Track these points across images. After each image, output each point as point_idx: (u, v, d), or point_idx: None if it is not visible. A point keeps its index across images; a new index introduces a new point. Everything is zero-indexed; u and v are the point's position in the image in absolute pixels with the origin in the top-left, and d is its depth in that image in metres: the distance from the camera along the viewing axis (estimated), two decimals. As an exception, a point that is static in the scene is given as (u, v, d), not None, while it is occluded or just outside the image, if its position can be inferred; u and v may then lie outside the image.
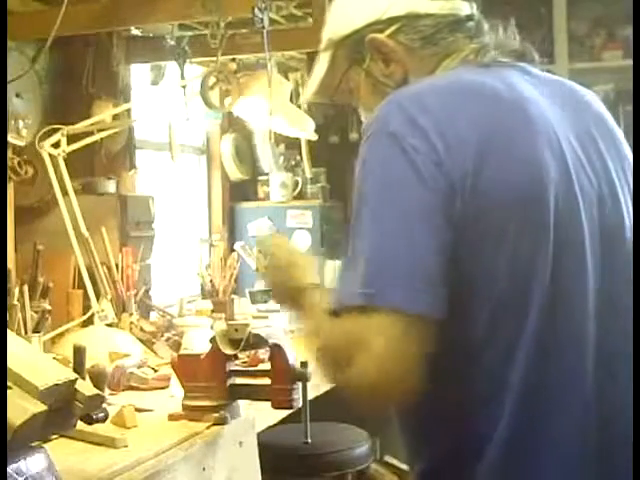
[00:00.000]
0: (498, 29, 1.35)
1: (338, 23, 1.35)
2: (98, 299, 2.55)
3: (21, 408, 1.25)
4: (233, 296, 3.26)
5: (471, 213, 1.11)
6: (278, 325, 2.85)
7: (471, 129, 1.13)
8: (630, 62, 3.97)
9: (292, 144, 4.11)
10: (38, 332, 2.21)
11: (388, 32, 1.29)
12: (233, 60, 2.95)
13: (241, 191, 4.24)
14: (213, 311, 3.01)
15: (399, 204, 1.11)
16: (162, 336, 2.61)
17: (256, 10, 2.50)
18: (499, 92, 1.19)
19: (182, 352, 2.03)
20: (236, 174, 4.15)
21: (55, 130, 2.56)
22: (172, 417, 1.81)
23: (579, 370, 1.15)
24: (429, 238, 1.10)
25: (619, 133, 1.35)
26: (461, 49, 1.30)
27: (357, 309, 1.10)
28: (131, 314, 2.65)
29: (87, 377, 1.81)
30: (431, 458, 1.22)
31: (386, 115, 1.16)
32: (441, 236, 1.10)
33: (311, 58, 4.07)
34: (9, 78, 2.51)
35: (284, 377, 1.71)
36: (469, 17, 1.32)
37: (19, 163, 2.59)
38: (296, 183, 4.15)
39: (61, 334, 2.42)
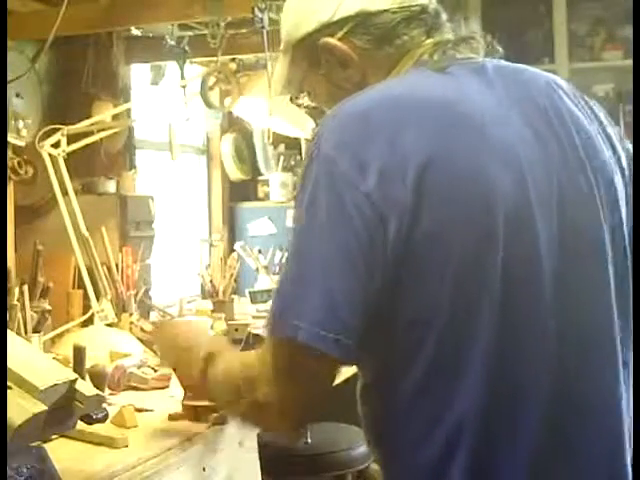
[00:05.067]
0: (460, 21, 1.26)
1: (291, 26, 1.29)
2: (98, 299, 2.55)
3: (21, 408, 1.25)
4: (233, 296, 3.25)
5: (412, 239, 1.05)
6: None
7: (413, 149, 1.06)
8: (630, 62, 3.97)
9: (292, 144, 4.11)
10: (38, 332, 2.21)
11: (340, 34, 1.23)
12: (233, 60, 2.95)
13: (241, 191, 4.24)
14: (213, 311, 3.01)
15: (323, 241, 1.06)
16: (162, 336, 2.61)
17: (256, 10, 2.50)
18: (449, 105, 1.12)
19: (182, 352, 2.03)
20: (236, 174, 4.15)
21: (55, 130, 2.56)
22: (172, 417, 1.81)
23: (534, 387, 1.09)
24: (348, 281, 1.04)
25: (586, 122, 1.24)
26: (418, 45, 1.22)
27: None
28: (131, 314, 2.65)
29: (87, 377, 1.81)
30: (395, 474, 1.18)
31: (323, 134, 1.11)
32: (361, 279, 1.04)
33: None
34: (9, 78, 2.51)
35: (284, 377, 1.71)
36: (424, 9, 1.23)
37: (19, 163, 2.59)
38: (296, 183, 4.15)
39: (61, 334, 2.42)
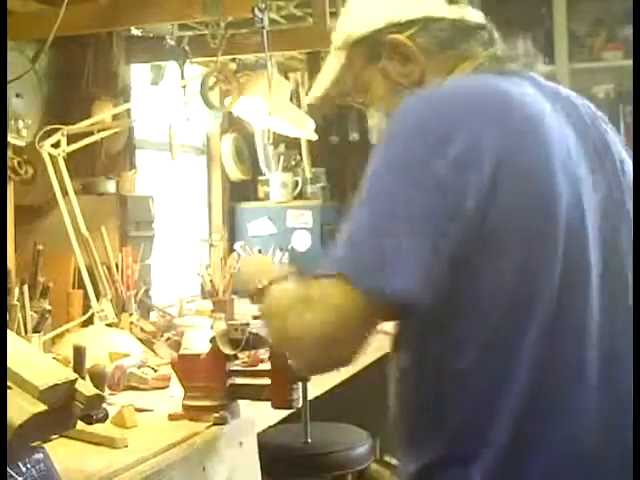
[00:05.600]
0: (509, 40, 1.38)
1: (356, 23, 1.40)
2: (98, 299, 2.55)
3: (21, 408, 1.25)
4: (233, 296, 3.25)
5: (484, 224, 1.13)
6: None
7: (492, 136, 1.15)
8: (630, 62, 3.97)
9: (292, 144, 4.11)
10: (38, 332, 2.21)
11: (407, 34, 1.34)
12: (233, 60, 2.95)
13: (241, 191, 4.24)
14: (213, 311, 3.01)
15: (410, 202, 1.13)
16: (162, 336, 2.61)
17: (256, 10, 2.50)
18: (522, 103, 1.21)
19: (182, 352, 2.03)
20: (236, 174, 4.15)
21: (55, 130, 2.56)
22: (172, 417, 1.81)
23: (578, 387, 1.17)
24: (427, 237, 1.11)
25: (618, 145, 1.35)
26: (475, 56, 1.34)
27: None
28: (131, 314, 2.65)
29: (87, 377, 1.81)
30: (425, 458, 1.22)
31: (409, 113, 1.20)
32: (439, 238, 1.11)
33: (311, 58, 4.09)
34: (9, 78, 2.51)
35: (284, 377, 1.71)
36: (481, 26, 1.37)
37: (19, 163, 2.59)
38: (296, 183, 4.15)
39: (61, 334, 2.42)
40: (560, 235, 1.15)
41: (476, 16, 1.38)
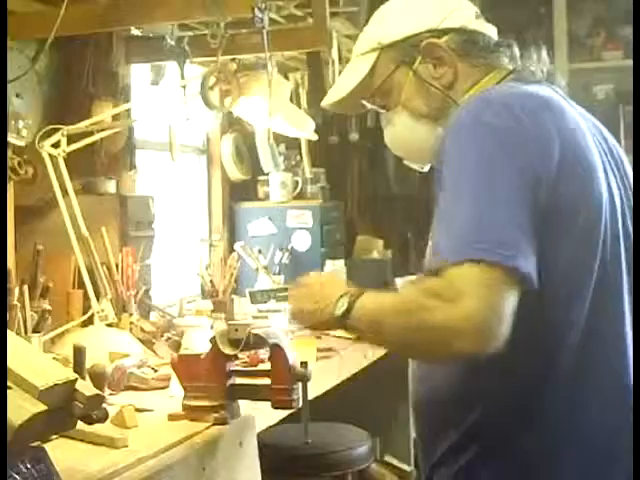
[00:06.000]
0: (531, 54, 1.53)
1: (390, 28, 1.51)
2: (98, 299, 2.55)
3: (21, 408, 1.25)
4: (233, 296, 3.25)
5: (552, 203, 1.26)
6: (278, 325, 2.85)
7: (553, 133, 1.29)
8: (630, 62, 3.97)
9: (292, 144, 4.11)
10: (38, 332, 2.21)
11: (444, 39, 1.47)
12: (233, 60, 2.94)
13: (241, 191, 4.24)
14: (213, 311, 3.01)
15: (499, 180, 1.24)
16: (162, 336, 2.61)
17: (256, 10, 2.50)
18: (566, 108, 1.37)
19: (182, 352, 2.04)
20: (236, 174, 4.15)
21: (55, 130, 2.56)
22: (172, 417, 1.81)
23: (617, 361, 1.34)
24: (524, 209, 1.23)
25: (623, 156, 1.49)
26: (504, 67, 1.48)
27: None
28: (131, 314, 2.65)
29: (87, 377, 1.81)
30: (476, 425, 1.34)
31: (477, 110, 1.31)
32: (531, 210, 1.24)
33: (311, 58, 4.08)
34: (9, 78, 2.51)
35: (284, 377, 1.71)
36: (508, 43, 1.52)
37: (19, 163, 2.59)
38: (296, 183, 4.15)
39: (61, 334, 2.42)
40: (602, 225, 1.31)
41: (494, 32, 1.53)
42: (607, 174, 1.37)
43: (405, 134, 1.54)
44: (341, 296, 1.37)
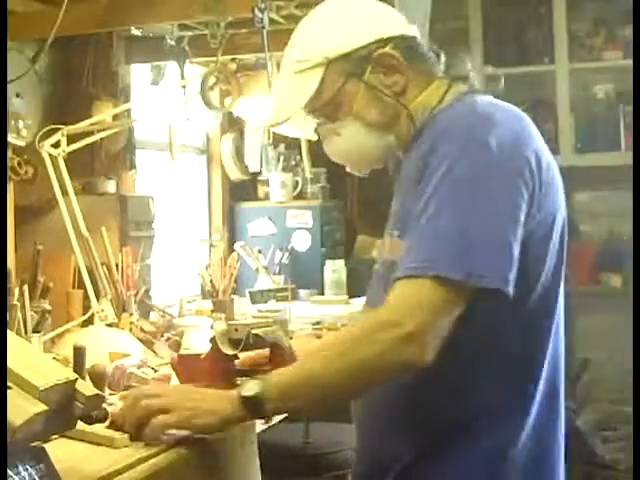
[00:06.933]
0: (461, 60, 1.57)
1: (334, 42, 1.50)
2: (98, 299, 2.55)
3: (21, 408, 1.25)
4: (233, 296, 3.25)
5: (532, 224, 1.35)
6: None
7: (538, 149, 1.38)
8: (630, 62, 3.97)
9: (292, 144, 4.11)
10: (38, 332, 2.21)
11: (388, 48, 1.48)
12: (233, 60, 2.94)
13: (241, 191, 4.24)
14: (213, 311, 3.01)
15: (491, 198, 1.32)
16: (162, 336, 2.61)
17: (256, 10, 2.50)
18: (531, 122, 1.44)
19: (182, 352, 2.03)
20: (236, 174, 4.15)
21: (55, 130, 2.56)
22: (172, 417, 1.80)
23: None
24: (513, 229, 1.32)
25: None
26: (439, 73, 1.53)
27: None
28: (131, 314, 2.65)
29: (87, 377, 1.81)
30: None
31: (472, 126, 1.37)
32: (519, 230, 1.32)
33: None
34: (9, 78, 2.51)
35: (284, 377, 1.70)
36: (433, 47, 1.57)
37: (19, 163, 2.59)
38: (296, 183, 4.15)
39: (61, 334, 2.42)
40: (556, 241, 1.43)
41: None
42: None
43: (355, 144, 1.54)
44: (235, 384, 1.39)
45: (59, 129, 2.56)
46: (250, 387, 1.36)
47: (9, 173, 2.55)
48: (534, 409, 1.42)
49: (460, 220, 1.30)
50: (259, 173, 4.20)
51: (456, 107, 1.45)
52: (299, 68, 1.53)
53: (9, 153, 2.55)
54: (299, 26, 1.61)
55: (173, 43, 3.02)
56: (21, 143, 2.59)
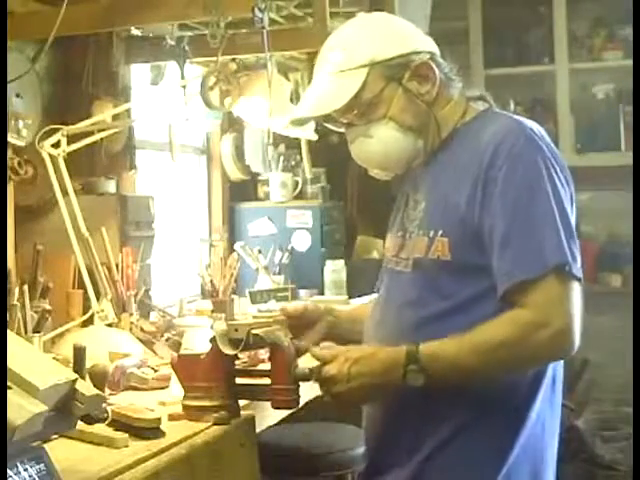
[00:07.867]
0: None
1: (378, 48, 1.61)
2: (98, 299, 2.55)
3: (21, 408, 1.25)
4: (233, 296, 3.25)
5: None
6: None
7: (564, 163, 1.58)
8: (630, 62, 3.97)
9: (292, 144, 4.11)
10: (38, 332, 2.21)
11: (426, 58, 1.63)
12: (233, 60, 2.94)
13: (241, 191, 4.24)
14: (213, 311, 3.01)
15: (558, 197, 1.51)
16: (162, 336, 2.61)
17: (256, 10, 2.50)
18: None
19: (182, 352, 2.03)
20: (236, 174, 4.15)
21: (55, 130, 2.56)
22: (172, 417, 1.81)
23: None
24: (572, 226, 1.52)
25: None
26: (464, 94, 1.67)
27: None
28: (131, 314, 2.65)
29: (87, 377, 1.81)
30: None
31: (531, 140, 1.53)
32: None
33: (311, 58, 4.07)
34: (9, 78, 2.51)
35: (284, 377, 1.70)
36: (450, 66, 1.70)
37: (19, 163, 2.59)
38: (296, 183, 4.14)
39: (61, 334, 2.42)
40: None
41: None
42: None
43: (388, 145, 1.63)
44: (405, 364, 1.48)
45: (59, 129, 2.56)
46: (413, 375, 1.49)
47: (9, 173, 2.55)
48: (535, 406, 1.52)
49: (549, 217, 1.48)
50: (259, 173, 4.20)
51: (483, 122, 1.61)
52: (342, 68, 1.61)
53: (9, 153, 2.55)
54: (340, 31, 1.69)
55: (173, 43, 3.02)
56: (21, 143, 2.59)
